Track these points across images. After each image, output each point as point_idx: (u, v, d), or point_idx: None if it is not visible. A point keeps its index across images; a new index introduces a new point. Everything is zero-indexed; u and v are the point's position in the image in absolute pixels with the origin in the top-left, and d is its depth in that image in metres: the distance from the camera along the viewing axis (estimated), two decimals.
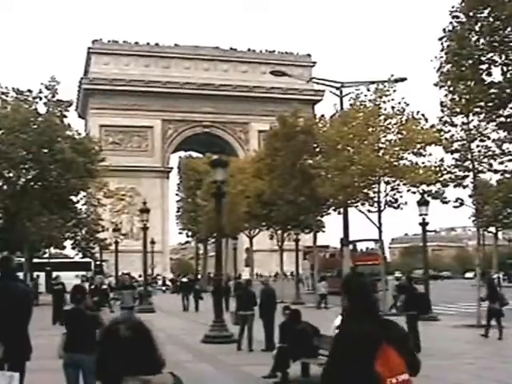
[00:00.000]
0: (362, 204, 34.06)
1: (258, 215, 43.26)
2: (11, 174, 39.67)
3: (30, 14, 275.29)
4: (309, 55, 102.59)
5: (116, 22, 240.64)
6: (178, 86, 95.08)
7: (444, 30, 25.87)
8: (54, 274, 58.99)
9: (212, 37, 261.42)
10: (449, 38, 25.87)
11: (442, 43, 26.65)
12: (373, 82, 34.26)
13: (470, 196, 31.20)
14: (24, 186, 39.15)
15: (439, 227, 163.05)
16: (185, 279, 41.26)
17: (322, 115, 39.90)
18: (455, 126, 29.12)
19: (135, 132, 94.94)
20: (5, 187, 39.94)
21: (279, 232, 44.94)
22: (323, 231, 44.10)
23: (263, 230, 47.25)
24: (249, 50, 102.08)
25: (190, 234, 78.25)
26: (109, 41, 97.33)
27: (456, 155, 28.94)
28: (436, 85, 28.49)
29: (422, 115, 31.79)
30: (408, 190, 32.23)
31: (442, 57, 27.16)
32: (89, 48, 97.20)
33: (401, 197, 32.33)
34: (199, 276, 72.17)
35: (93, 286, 25.28)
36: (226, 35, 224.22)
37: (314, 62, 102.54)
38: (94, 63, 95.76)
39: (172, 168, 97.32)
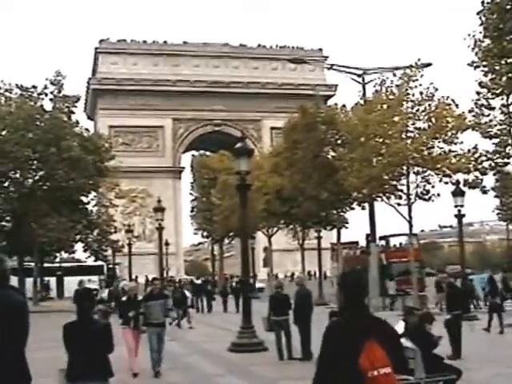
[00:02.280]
0: (388, 198, 32.05)
1: (276, 212, 41.05)
2: (17, 175, 37.80)
3: (37, 14, 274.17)
4: (320, 49, 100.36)
5: (123, 21, 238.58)
6: (188, 84, 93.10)
7: (483, 2, 23.73)
8: (78, 278, 57.37)
9: (221, 34, 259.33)
10: (488, 11, 23.78)
11: (480, 17, 24.59)
12: (396, 68, 32.23)
13: (493, 189, 29.21)
14: (31, 187, 37.25)
15: (455, 223, 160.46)
16: (198, 281, 41.77)
17: (344, 105, 37.86)
18: (493, 109, 27.07)
19: (145, 132, 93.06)
20: (11, 188, 38.03)
21: (299, 230, 42.81)
22: (346, 227, 41.86)
23: (282, 228, 45.05)
24: (259, 45, 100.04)
25: (205, 234, 76.30)
26: (117, 40, 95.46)
27: (495, 140, 26.91)
28: (471, 64, 26.40)
29: (452, 100, 29.75)
30: (440, 181, 30.12)
31: (480, 32, 25.11)
32: (96, 48, 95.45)
33: (433, 187, 30.23)
34: (216, 277, 70.30)
35: (124, 298, 16.05)
36: (235, 32, 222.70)
37: (326, 57, 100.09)
38: (102, 63, 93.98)
39: (184, 168, 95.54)
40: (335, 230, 43.61)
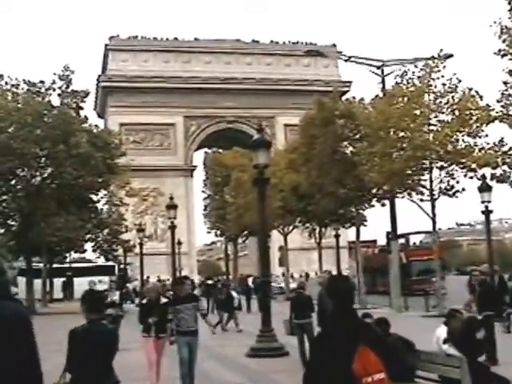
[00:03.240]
0: (409, 194, 31.00)
1: (293, 210, 39.88)
2: (25, 173, 36.86)
3: (46, 12, 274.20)
4: (334, 45, 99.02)
5: (133, 18, 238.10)
6: (200, 81, 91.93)
7: None
8: (88, 279, 56.32)
9: (233, 30, 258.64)
10: None
11: (509, 1, 23.49)
12: (417, 60, 31.14)
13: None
14: (39, 185, 36.30)
15: (474, 220, 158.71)
16: (209, 282, 41.83)
17: (362, 98, 36.74)
18: None
19: (157, 130, 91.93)
20: (18, 187, 37.10)
21: (317, 228, 41.65)
22: (365, 225, 40.64)
23: (299, 226, 43.89)
24: (272, 41, 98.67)
25: (218, 233, 75.32)
26: (127, 37, 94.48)
27: None
28: (498, 53, 25.24)
29: (476, 92, 28.65)
30: (465, 175, 29.03)
31: (509, 18, 23.99)
32: (106, 45, 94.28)
33: (457, 182, 29.15)
34: (230, 277, 69.30)
35: (144, 301, 12.76)
36: (247, 28, 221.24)
37: (340, 52, 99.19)
38: (112, 60, 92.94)
39: (196, 166, 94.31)
40: (351, 228, 42.56)
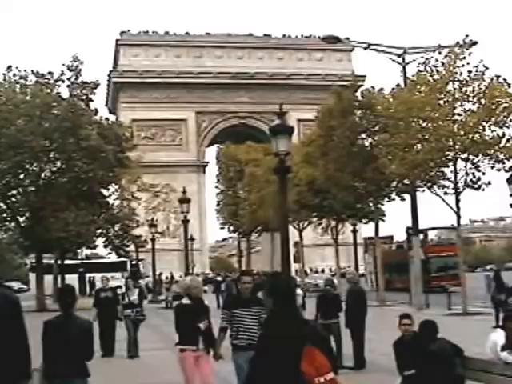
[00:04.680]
0: (429, 188, 29.60)
1: (308, 205, 38.49)
2: (34, 167, 35.67)
3: (56, 7, 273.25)
4: (347, 38, 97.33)
5: (144, 13, 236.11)
6: (211, 76, 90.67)
7: None
8: (100, 275, 55.15)
9: (244, 24, 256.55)
10: None
11: None
12: (441, 47, 29.69)
13: None
14: (48, 179, 35.10)
15: (487, 217, 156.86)
16: (219, 278, 42.51)
17: (381, 88, 35.33)
18: None
19: (168, 126, 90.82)
20: (27, 181, 35.92)
21: (332, 223, 40.25)
22: (383, 220, 39.22)
23: (314, 221, 42.50)
24: (284, 36, 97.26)
25: (231, 228, 74.14)
26: (138, 32, 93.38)
27: None
28: None
29: (504, 80, 27.20)
30: (492, 167, 27.58)
31: None
32: (117, 40, 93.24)
33: (483, 174, 27.70)
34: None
35: (187, 301, 8.87)
36: (258, 22, 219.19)
37: (354, 46, 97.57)
38: (123, 56, 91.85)
39: (208, 162, 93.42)
40: (366, 224, 41.27)
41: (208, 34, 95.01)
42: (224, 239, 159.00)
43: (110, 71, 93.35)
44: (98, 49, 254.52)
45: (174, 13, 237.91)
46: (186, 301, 8.93)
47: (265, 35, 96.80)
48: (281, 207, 16.30)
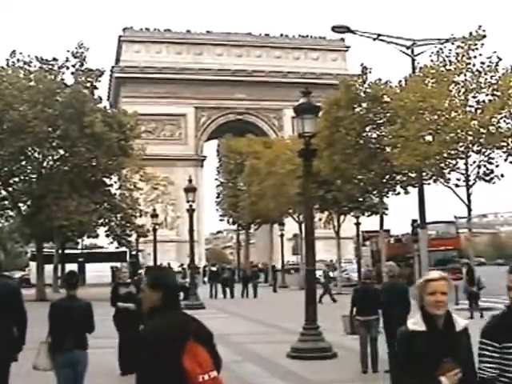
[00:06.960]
0: (435, 181, 27.86)
1: (312, 197, 36.48)
2: (37, 154, 33.62)
3: (56, 7, 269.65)
4: (342, 39, 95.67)
5: (146, 10, 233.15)
6: (211, 72, 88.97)
7: None
8: (100, 265, 53.35)
9: (244, 23, 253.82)
10: None
11: None
12: (452, 39, 27.83)
13: None
14: (51, 166, 33.08)
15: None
16: (213, 268, 42.27)
17: (388, 80, 33.47)
18: None
19: (168, 120, 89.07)
20: (29, 168, 33.87)
21: (334, 216, 38.35)
22: (386, 214, 37.30)
23: (316, 213, 40.55)
24: (281, 35, 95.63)
25: (230, 220, 72.44)
26: (140, 29, 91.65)
27: None
28: None
29: None
30: (505, 160, 25.88)
31: None
32: (120, 36, 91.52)
33: (497, 166, 25.99)
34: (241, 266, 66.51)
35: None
36: (258, 21, 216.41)
37: (348, 47, 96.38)
38: (125, 51, 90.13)
39: (206, 157, 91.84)
40: (368, 217, 39.49)
41: (208, 32, 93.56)
42: (218, 232, 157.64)
43: (113, 66, 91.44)
44: (101, 45, 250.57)
45: (175, 11, 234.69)
46: None
47: (264, 34, 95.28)
48: (305, 193, 14.45)
